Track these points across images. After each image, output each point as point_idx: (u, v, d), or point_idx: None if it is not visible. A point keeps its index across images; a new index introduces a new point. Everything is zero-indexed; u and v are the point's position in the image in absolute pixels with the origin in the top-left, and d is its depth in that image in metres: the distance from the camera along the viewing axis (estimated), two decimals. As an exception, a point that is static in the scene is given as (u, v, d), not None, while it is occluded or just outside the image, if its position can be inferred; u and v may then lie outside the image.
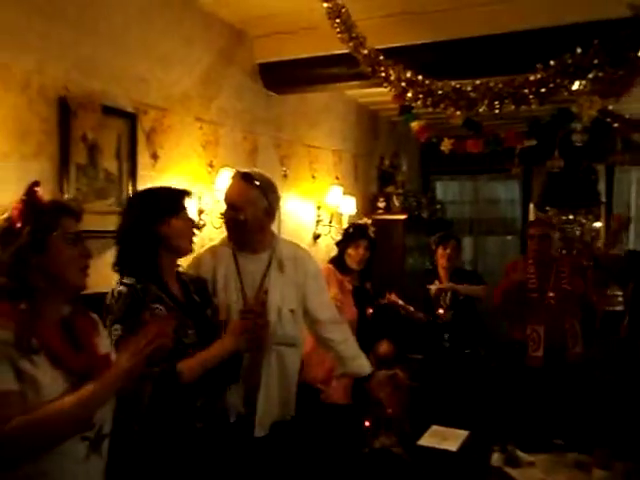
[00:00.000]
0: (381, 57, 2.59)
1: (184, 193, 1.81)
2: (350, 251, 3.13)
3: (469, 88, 2.45)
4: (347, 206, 4.52)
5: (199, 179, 3.19)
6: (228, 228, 2.13)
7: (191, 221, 1.81)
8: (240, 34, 3.58)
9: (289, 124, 4.13)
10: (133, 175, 2.77)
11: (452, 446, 2.52)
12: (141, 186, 2.79)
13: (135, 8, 2.82)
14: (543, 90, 2.23)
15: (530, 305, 3.22)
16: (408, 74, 2.50)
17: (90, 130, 2.54)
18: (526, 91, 2.26)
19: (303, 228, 4.26)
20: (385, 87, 2.68)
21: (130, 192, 2.74)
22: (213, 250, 2.15)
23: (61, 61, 2.45)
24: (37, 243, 1.27)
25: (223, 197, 2.13)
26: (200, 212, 3.09)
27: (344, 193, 4.53)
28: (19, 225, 1.27)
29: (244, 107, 3.63)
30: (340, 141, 4.91)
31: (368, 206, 5.21)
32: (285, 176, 3.99)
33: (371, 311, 3.36)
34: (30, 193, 1.30)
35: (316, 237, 4.40)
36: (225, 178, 3.19)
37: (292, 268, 2.13)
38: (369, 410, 2.84)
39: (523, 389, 3.15)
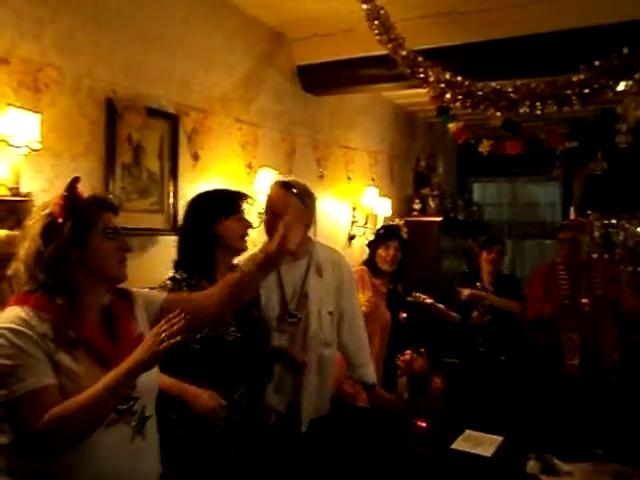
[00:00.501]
0: (420, 58, 2.59)
1: (240, 195, 1.88)
2: (380, 251, 3.09)
3: (510, 89, 2.41)
4: (382, 207, 4.52)
5: (238, 179, 3.25)
6: (270, 235, 2.18)
7: (246, 222, 1.86)
8: (280, 37, 3.64)
9: (326, 126, 4.16)
10: (174, 175, 2.85)
11: (486, 451, 2.48)
12: (182, 186, 2.88)
13: (178, 13, 2.91)
14: (587, 91, 2.17)
15: (564, 312, 3.14)
16: (447, 75, 2.49)
17: (135, 131, 2.63)
18: (569, 92, 2.21)
19: (338, 229, 4.29)
20: (424, 88, 2.67)
21: (171, 191, 2.83)
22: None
23: (109, 65, 2.55)
24: (78, 239, 1.28)
25: (264, 205, 2.19)
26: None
27: (380, 194, 4.54)
28: (60, 220, 1.27)
29: (283, 109, 3.68)
30: (376, 142, 4.91)
31: (403, 208, 5.19)
32: (321, 177, 4.02)
33: (405, 315, 3.33)
34: (71, 189, 1.30)
35: (351, 238, 4.41)
36: (263, 178, 3.24)
37: (330, 272, 2.20)
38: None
39: (560, 396, 3.08)
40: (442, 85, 2.50)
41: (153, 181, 2.75)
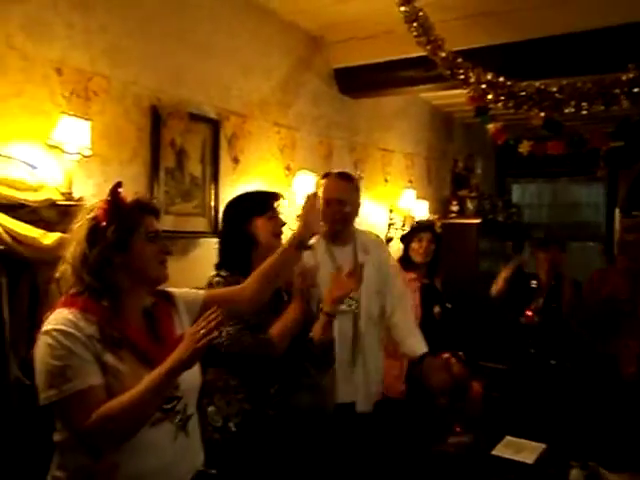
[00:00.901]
0: (460, 59, 2.56)
1: (271, 195, 1.91)
2: (414, 245, 3.09)
3: (554, 89, 2.35)
4: (420, 209, 4.49)
5: (277, 182, 3.29)
6: (333, 222, 2.26)
7: (278, 220, 1.89)
8: (317, 41, 3.66)
9: (363, 128, 4.17)
10: (215, 178, 2.91)
11: (528, 458, 2.43)
12: (223, 189, 2.94)
13: (219, 19, 2.97)
14: (636, 90, 2.10)
15: (622, 318, 3.05)
16: (489, 76, 2.45)
17: (178, 136, 2.70)
18: (617, 91, 2.14)
19: (375, 231, 4.24)
20: (464, 89, 2.65)
21: (213, 195, 2.89)
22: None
23: (153, 72, 2.63)
24: (121, 242, 1.30)
25: (324, 194, 2.26)
26: (277, 214, 3.20)
27: (417, 196, 4.51)
28: (104, 224, 1.30)
29: (320, 112, 3.71)
30: (413, 144, 4.89)
31: (441, 209, 5.14)
32: (359, 179, 4.03)
33: (438, 310, 3.28)
34: (114, 193, 1.33)
35: (388, 240, 4.39)
36: (302, 180, 3.28)
37: (374, 250, 2.35)
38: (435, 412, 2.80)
39: (611, 404, 2.98)
40: (483, 86, 2.46)
41: (195, 185, 2.82)
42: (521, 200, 6.48)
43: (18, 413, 2.00)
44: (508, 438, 2.63)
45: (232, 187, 2.99)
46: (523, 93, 2.39)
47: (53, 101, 2.22)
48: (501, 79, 2.46)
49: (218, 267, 1.87)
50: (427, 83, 3.69)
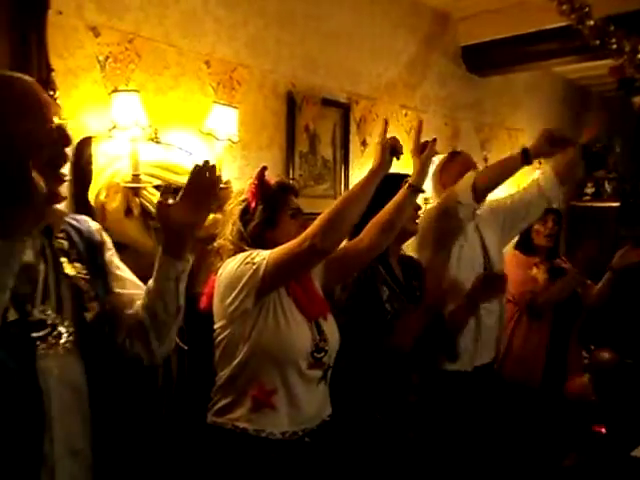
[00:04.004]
0: (612, 27, 2.36)
1: (403, 177, 1.86)
2: (537, 227, 2.88)
3: None
4: (551, 192, 4.23)
5: (404, 164, 3.27)
6: None
7: (415, 205, 1.86)
8: (444, 18, 3.58)
9: (490, 107, 4.01)
10: (345, 162, 2.98)
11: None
12: (352, 172, 3.00)
13: (347, 5, 3.01)
14: None
15: None
16: (648, 43, 2.23)
17: (311, 121, 2.80)
18: None
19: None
20: (616, 60, 2.43)
21: (342, 177, 2.96)
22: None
23: (290, 60, 2.74)
24: (269, 220, 1.51)
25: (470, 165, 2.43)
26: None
27: (548, 178, 4.25)
28: (253, 205, 1.51)
29: (446, 92, 3.63)
30: (543, 122, 4.57)
31: (573, 191, 4.79)
32: (485, 160, 3.89)
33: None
34: (260, 177, 1.53)
35: (514, 224, 4.20)
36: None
37: None
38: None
39: None
40: (640, 55, 2.25)
41: (326, 168, 2.91)
42: (667, 182, 5.83)
43: (177, 374, 2.23)
44: (653, 441, 2.43)
45: (361, 170, 3.04)
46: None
47: (203, 91, 2.41)
48: (664, 46, 2.23)
49: None
50: (563, 56, 3.46)
